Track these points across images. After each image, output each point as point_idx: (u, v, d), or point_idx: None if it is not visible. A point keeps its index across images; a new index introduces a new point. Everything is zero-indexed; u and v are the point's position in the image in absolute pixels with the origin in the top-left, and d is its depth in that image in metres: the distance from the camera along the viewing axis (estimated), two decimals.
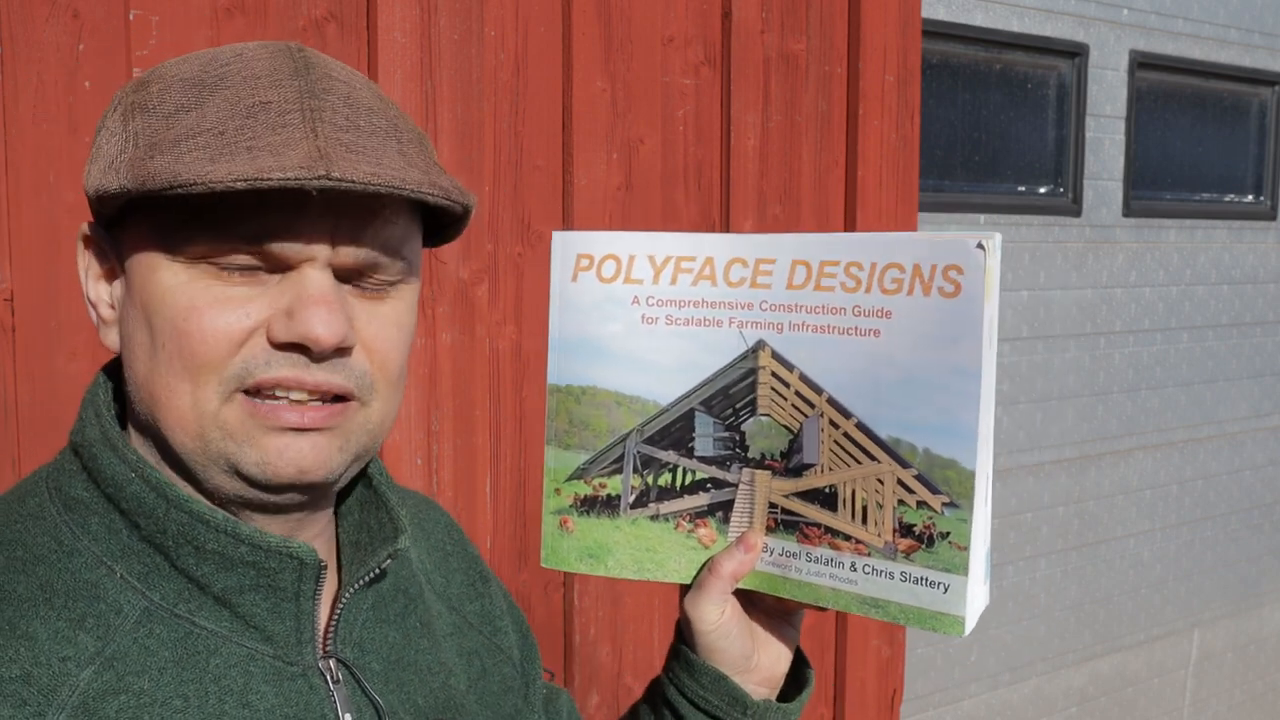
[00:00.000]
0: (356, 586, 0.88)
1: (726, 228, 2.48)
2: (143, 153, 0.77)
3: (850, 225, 2.66)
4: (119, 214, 0.82)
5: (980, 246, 0.84)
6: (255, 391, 0.79)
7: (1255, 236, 4.63)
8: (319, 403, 0.80)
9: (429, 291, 2.10)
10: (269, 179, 0.72)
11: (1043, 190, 3.91)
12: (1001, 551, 3.90)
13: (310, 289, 0.78)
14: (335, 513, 0.93)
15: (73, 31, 1.76)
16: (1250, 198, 4.66)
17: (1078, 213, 3.95)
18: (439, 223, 0.89)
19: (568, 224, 2.28)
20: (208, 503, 0.81)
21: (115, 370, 0.88)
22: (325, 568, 0.84)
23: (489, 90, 2.16)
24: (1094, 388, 4.10)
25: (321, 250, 0.78)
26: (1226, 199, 4.58)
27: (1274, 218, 4.70)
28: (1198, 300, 4.42)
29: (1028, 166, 3.87)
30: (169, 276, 0.78)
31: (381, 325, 0.83)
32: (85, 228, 0.86)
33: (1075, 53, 3.86)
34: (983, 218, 3.68)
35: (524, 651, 1.09)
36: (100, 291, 0.86)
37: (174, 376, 0.78)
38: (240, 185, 0.72)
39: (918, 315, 0.86)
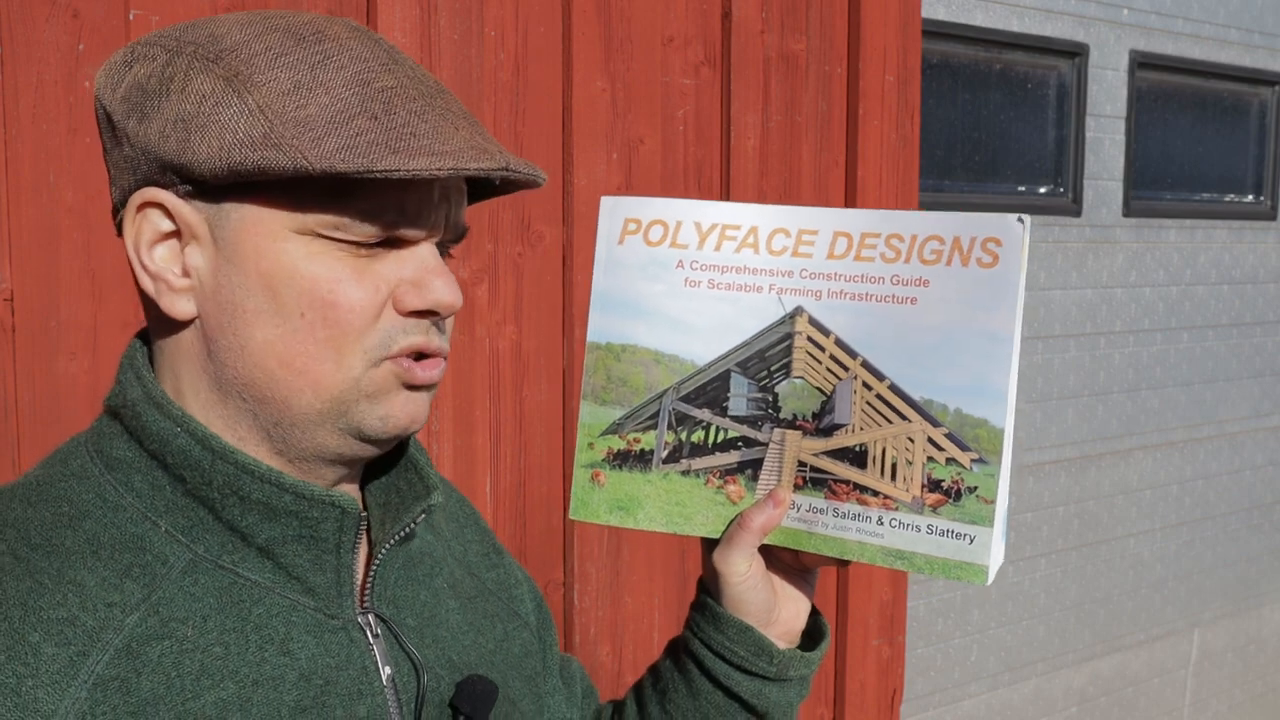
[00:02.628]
0: (390, 543, 0.90)
1: None
2: (291, 131, 0.76)
3: None
4: (220, 184, 0.79)
5: (1020, 220, 0.88)
6: (393, 357, 0.84)
7: (1255, 236, 4.63)
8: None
9: None
10: (466, 169, 0.77)
11: (1043, 190, 3.91)
12: None
13: (431, 261, 0.83)
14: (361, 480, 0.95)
15: (73, 31, 1.76)
16: (1250, 198, 4.65)
17: (1078, 213, 3.95)
18: None
19: (568, 224, 2.28)
20: (252, 455, 0.83)
21: (144, 337, 0.89)
22: (365, 517, 0.86)
23: (489, 90, 2.16)
24: (1094, 388, 4.10)
25: (438, 231, 0.84)
26: (1226, 199, 4.58)
27: (1274, 218, 4.70)
28: (1198, 300, 4.42)
29: (1028, 166, 3.87)
30: (299, 247, 0.80)
31: None
32: (150, 194, 0.81)
33: (1075, 53, 3.86)
34: None
35: (540, 620, 1.12)
36: (164, 259, 0.82)
37: (317, 345, 0.81)
38: (445, 173, 0.77)
39: (955, 284, 0.90)
